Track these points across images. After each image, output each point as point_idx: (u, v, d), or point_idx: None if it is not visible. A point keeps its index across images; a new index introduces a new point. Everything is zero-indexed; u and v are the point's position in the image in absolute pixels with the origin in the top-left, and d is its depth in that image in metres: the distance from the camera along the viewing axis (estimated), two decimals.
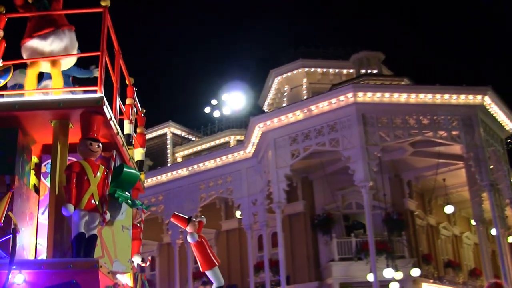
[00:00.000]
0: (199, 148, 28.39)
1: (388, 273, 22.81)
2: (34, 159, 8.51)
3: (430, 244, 26.64)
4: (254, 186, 24.96)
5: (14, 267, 6.71)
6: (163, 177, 25.69)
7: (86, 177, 7.23)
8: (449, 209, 25.62)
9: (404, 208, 25.20)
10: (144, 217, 22.19)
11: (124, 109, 9.52)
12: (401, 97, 23.15)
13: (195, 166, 25.34)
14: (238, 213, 25.53)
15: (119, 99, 8.71)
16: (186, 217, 8.82)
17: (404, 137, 22.69)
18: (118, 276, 7.89)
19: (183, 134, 30.28)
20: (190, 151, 28.45)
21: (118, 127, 8.20)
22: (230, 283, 25.71)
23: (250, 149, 25.19)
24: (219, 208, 27.15)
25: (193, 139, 30.17)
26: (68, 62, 8.31)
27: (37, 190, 8.03)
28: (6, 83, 8.47)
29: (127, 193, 7.72)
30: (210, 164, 25.23)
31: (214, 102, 31.24)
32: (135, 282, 8.57)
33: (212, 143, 28.23)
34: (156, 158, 28.15)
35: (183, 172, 25.46)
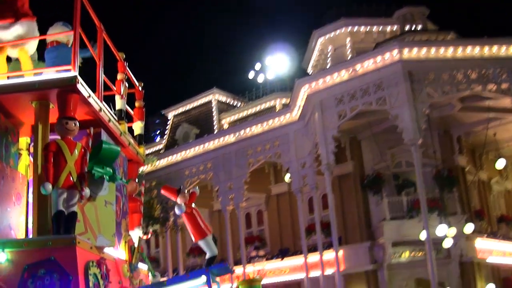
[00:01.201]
0: (245, 113, 28.35)
1: (441, 230, 22.39)
2: (27, 140, 8.69)
3: (482, 200, 25.93)
4: (302, 149, 24.83)
5: None
6: (210, 145, 25.85)
7: (62, 156, 7.30)
8: (500, 163, 24.78)
9: (455, 165, 24.56)
10: (194, 185, 22.50)
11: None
12: (448, 52, 22.39)
13: (241, 132, 25.37)
14: (287, 177, 25.48)
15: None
16: (176, 188, 8.80)
17: (452, 93, 22.01)
18: (108, 250, 7.98)
19: (228, 100, 30.31)
20: (236, 117, 28.45)
21: (100, 103, 8.23)
22: (282, 247, 25.85)
23: (296, 112, 25.01)
24: (268, 173, 27.16)
25: (239, 105, 30.16)
26: (32, 47, 8.39)
27: None
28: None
29: (108, 168, 7.73)
30: (256, 129, 25.20)
31: (257, 66, 31.06)
32: (131, 255, 8.64)
33: (258, 108, 28.13)
34: (202, 126, 28.31)
35: (230, 138, 25.54)
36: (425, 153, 23.37)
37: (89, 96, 7.94)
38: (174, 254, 25.76)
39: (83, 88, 7.77)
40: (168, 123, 29.97)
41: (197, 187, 9.28)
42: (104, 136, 8.43)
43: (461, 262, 23.13)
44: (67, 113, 7.59)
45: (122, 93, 9.32)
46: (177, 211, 8.59)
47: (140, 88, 10.22)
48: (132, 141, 9.54)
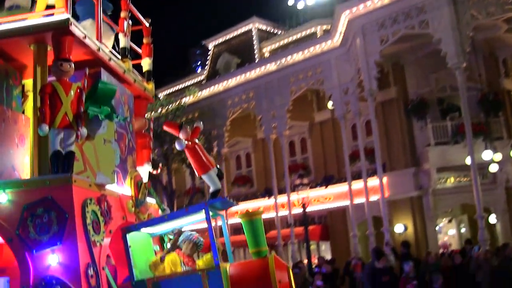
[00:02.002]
0: (285, 41, 28.00)
1: (487, 155, 22.07)
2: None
3: None
4: (345, 75, 24.54)
5: None
6: (252, 74, 25.78)
7: (58, 97, 7.48)
8: None
9: (500, 88, 23.87)
10: (236, 115, 22.69)
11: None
12: None
13: (283, 60, 25.16)
14: (330, 104, 25.32)
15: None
16: (178, 124, 8.91)
17: (497, 14, 21.16)
18: (111, 187, 8.21)
19: (268, 28, 29.94)
20: (277, 45, 28.15)
21: (99, 43, 8.33)
22: (326, 174, 25.94)
23: (337, 38, 24.61)
24: (311, 100, 27.01)
25: (279, 33, 29.78)
26: None
27: None
28: (4, 5, 8.81)
29: (105, 107, 7.87)
30: (298, 56, 24.95)
31: None
32: (137, 191, 8.86)
33: (299, 36, 27.72)
34: (243, 55, 28.18)
35: (272, 67, 25.39)
36: (469, 77, 22.73)
37: (85, 37, 8.02)
38: None
39: (77, 29, 7.87)
40: (208, 53, 29.97)
41: (201, 122, 9.35)
42: (105, 75, 8.56)
43: (507, 187, 22.79)
44: (62, 55, 7.74)
45: (125, 31, 9.34)
46: (177, 146, 8.69)
47: (147, 25, 10.25)
48: (138, 78, 9.64)
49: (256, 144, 27.49)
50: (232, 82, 26.35)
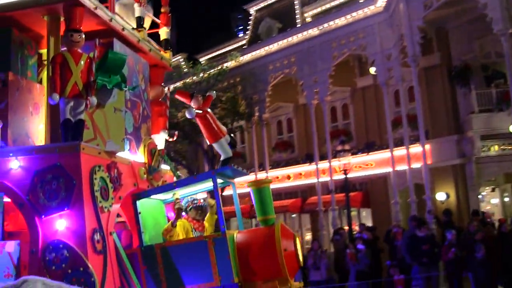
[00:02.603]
0: (328, 6, 27.67)
1: None
2: None
3: None
4: (387, 41, 24.18)
5: (11, 154, 7.52)
6: (294, 39, 25.63)
7: (68, 67, 7.71)
8: None
9: None
10: (278, 80, 22.69)
11: None
12: None
13: (325, 25, 24.92)
14: (372, 70, 25.03)
15: None
16: (189, 93, 9.07)
17: None
18: (123, 154, 8.44)
19: None
20: (319, 10, 27.83)
21: (111, 13, 8.50)
22: (368, 140, 25.79)
23: (380, 3, 24.20)
24: (353, 66, 26.72)
25: None
26: None
27: None
28: None
29: (115, 76, 8.06)
30: (340, 21, 24.67)
31: None
32: (151, 158, 9.08)
33: (341, 0, 27.36)
34: (285, 20, 27.98)
35: (314, 32, 25.20)
36: None
37: (96, 7, 8.19)
38: (260, 149, 26.34)
39: (87, 0, 8.03)
40: (250, 18, 29.91)
41: (214, 92, 9.48)
42: (117, 45, 8.73)
43: None
44: (72, 26, 7.96)
45: (140, 1, 9.49)
46: (187, 114, 8.89)
47: None
48: (154, 46, 9.80)
49: (297, 110, 27.45)
50: (273, 47, 26.29)
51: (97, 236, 7.58)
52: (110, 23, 8.60)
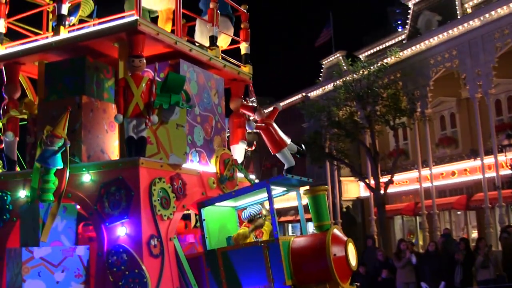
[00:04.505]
0: None
1: None
2: None
3: None
4: None
5: (84, 169, 8.67)
6: (454, 31, 24.66)
7: (130, 90, 8.69)
8: None
9: None
10: (439, 74, 22.28)
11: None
12: None
13: (486, 15, 23.66)
14: None
15: None
16: (253, 106, 9.63)
17: None
18: (192, 165, 9.22)
19: None
20: (479, 0, 26.42)
21: (175, 36, 9.33)
22: None
23: None
24: None
25: None
26: None
27: None
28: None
29: (176, 95, 8.84)
30: (503, 11, 23.28)
31: None
32: (223, 167, 9.77)
33: None
34: (445, 12, 26.86)
35: (475, 23, 24.04)
36: None
37: (158, 33, 9.05)
38: (423, 145, 25.76)
39: (148, 27, 8.92)
40: (409, 12, 29.20)
41: (280, 104, 9.91)
42: (185, 65, 9.50)
43: None
44: (133, 52, 8.88)
45: (213, 21, 10.18)
46: (247, 127, 9.45)
47: (245, 11, 10.96)
48: (229, 63, 10.44)
49: (460, 104, 26.38)
50: (434, 40, 25.54)
51: (154, 242, 8.37)
52: (176, 46, 9.38)
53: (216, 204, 9.50)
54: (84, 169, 8.74)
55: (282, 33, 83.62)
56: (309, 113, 26.80)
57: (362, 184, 28.91)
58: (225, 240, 9.39)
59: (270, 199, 8.79)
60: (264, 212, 9.42)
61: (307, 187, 9.09)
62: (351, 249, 8.71)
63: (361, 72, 25.25)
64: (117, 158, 9.38)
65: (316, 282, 8.62)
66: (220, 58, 10.27)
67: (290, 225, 36.58)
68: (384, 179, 25.04)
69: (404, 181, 27.78)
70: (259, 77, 77.73)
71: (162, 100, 8.77)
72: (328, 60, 32.62)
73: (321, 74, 32.97)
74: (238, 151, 10.47)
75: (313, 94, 32.17)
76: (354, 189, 30.84)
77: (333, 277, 8.41)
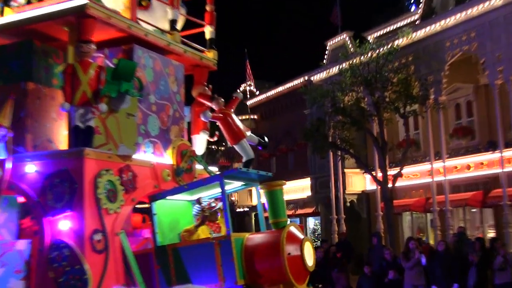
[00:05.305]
0: None
1: None
2: None
3: None
4: None
5: (27, 159, 9.14)
6: (473, 11, 24.66)
7: (77, 77, 9.12)
8: None
9: None
10: (456, 58, 22.37)
11: None
12: None
13: None
14: None
15: None
16: (209, 95, 10.05)
17: None
18: (145, 156, 9.68)
19: None
20: None
21: (129, 21, 9.75)
22: None
23: None
24: None
25: None
26: None
27: None
28: None
29: (125, 83, 9.26)
30: None
31: None
32: (180, 158, 10.21)
33: None
34: None
35: (496, 2, 24.06)
36: None
37: (109, 17, 9.47)
38: (436, 136, 25.88)
39: (98, 11, 9.34)
40: None
41: (240, 93, 10.31)
42: (139, 51, 9.92)
43: None
44: (82, 37, 9.31)
45: (173, 3, 10.57)
46: (202, 117, 9.88)
47: None
48: (190, 48, 10.84)
49: (478, 91, 26.41)
50: (450, 21, 25.58)
51: (97, 236, 8.86)
52: (130, 30, 9.80)
53: (171, 198, 9.91)
54: (28, 159, 9.19)
55: (283, 12, 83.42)
56: (312, 98, 27.00)
57: (368, 176, 29.13)
58: (178, 236, 9.83)
59: (223, 193, 9.21)
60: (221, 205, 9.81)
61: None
62: (308, 249, 9.10)
63: (369, 54, 25.43)
64: (66, 148, 9.80)
65: (270, 282, 9.03)
66: (181, 43, 10.63)
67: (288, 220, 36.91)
68: (392, 171, 25.27)
69: (414, 174, 27.98)
70: (258, 59, 77.80)
71: (110, 88, 9.19)
72: (334, 41, 32.74)
73: (325, 57, 33.12)
74: (199, 142, 10.89)
75: (317, 78, 32.34)
76: (359, 182, 31.04)
77: (287, 277, 8.81)
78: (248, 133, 10.24)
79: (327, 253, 21.60)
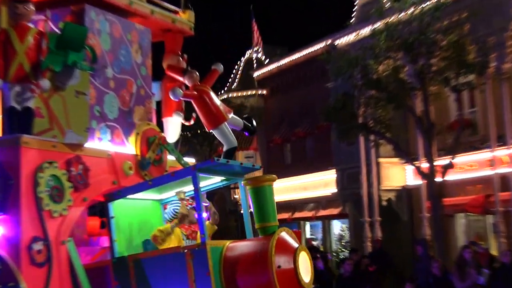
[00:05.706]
0: None
1: None
2: None
3: None
4: None
5: None
6: None
7: (11, 45, 9.31)
8: None
9: None
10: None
11: None
12: None
13: None
14: None
15: None
16: (181, 68, 10.22)
17: None
18: (100, 145, 9.94)
19: None
20: None
21: None
22: None
23: None
24: None
25: None
26: None
27: None
28: None
29: (74, 53, 9.48)
30: None
31: None
32: (146, 147, 10.45)
33: None
34: None
35: None
36: None
37: None
38: (499, 115, 25.77)
39: None
40: None
41: (220, 65, 10.45)
42: (92, 12, 10.13)
43: None
44: None
45: None
46: (171, 96, 10.05)
47: None
48: (158, 9, 11.02)
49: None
50: None
51: (38, 246, 9.08)
52: None
53: (133, 197, 10.16)
54: None
55: None
56: (336, 68, 26.97)
57: (410, 168, 29.01)
58: (142, 245, 10.09)
59: (197, 191, 9.38)
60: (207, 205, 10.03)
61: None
62: (304, 260, 9.23)
63: (411, 10, 25.38)
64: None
65: None
66: (147, 2, 10.79)
67: (308, 224, 37.01)
68: (441, 161, 25.23)
69: (470, 165, 27.85)
70: (269, 21, 76.87)
71: (54, 60, 9.36)
72: None
73: (353, 15, 33.04)
74: (172, 126, 11.06)
75: (342, 42, 32.28)
76: (398, 174, 30.74)
77: None
78: (230, 115, 10.38)
79: (358, 266, 21.70)
